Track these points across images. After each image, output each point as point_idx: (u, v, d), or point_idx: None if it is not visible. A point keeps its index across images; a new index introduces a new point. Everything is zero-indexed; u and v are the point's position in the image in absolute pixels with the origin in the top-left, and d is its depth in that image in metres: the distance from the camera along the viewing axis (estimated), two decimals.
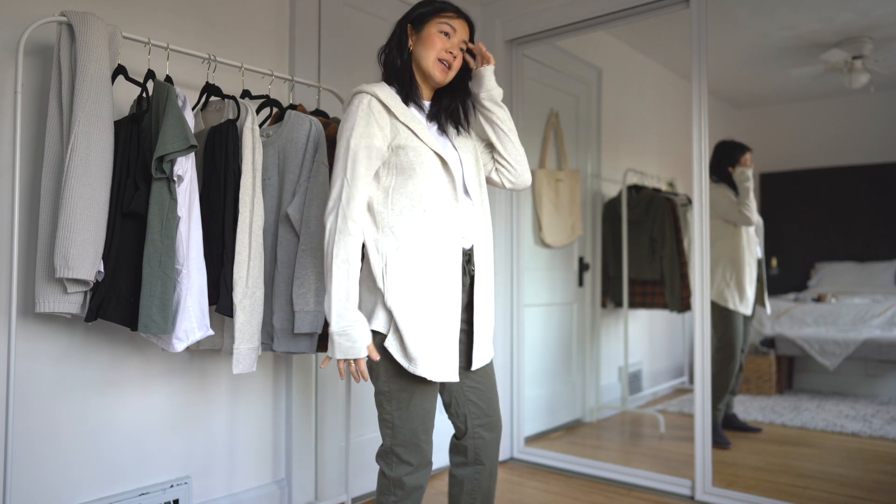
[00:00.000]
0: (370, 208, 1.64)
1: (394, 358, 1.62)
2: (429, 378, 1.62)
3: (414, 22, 1.73)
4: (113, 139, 1.74)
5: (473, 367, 1.74)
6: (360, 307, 1.63)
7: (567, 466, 3.12)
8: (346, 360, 1.58)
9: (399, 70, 1.71)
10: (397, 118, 1.64)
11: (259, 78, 2.29)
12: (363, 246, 1.63)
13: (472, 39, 1.77)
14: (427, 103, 1.76)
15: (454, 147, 1.75)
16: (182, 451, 2.22)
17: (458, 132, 1.79)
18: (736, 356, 3.44)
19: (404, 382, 1.64)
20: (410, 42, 1.72)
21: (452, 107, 1.76)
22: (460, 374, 1.74)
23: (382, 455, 1.71)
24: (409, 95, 1.70)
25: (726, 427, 3.63)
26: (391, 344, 1.62)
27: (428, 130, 1.68)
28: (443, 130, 1.76)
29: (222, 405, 2.34)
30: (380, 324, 1.63)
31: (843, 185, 5.52)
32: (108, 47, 1.75)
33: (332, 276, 1.56)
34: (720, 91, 5.36)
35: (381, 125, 1.62)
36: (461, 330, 1.75)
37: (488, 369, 1.81)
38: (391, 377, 1.64)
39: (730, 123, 5.52)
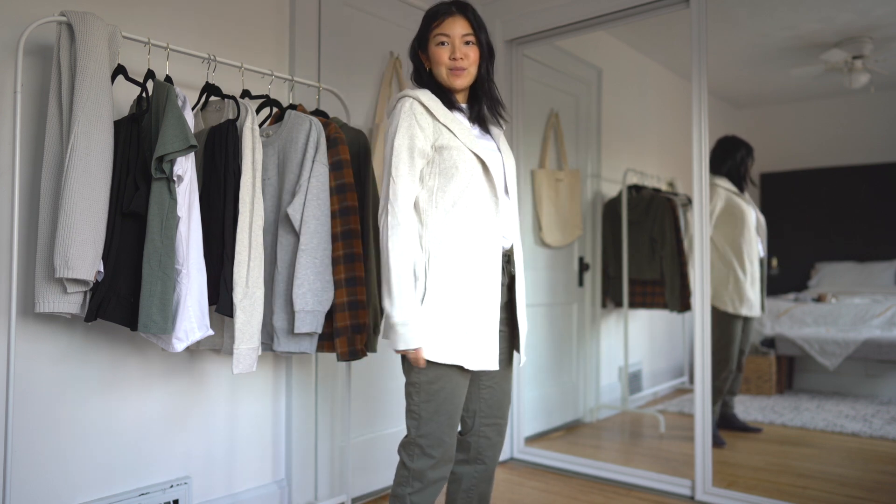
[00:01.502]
0: (416, 207, 1.69)
1: (428, 350, 1.65)
2: (468, 367, 1.66)
3: (420, 45, 1.79)
4: (113, 139, 1.74)
5: (521, 364, 1.84)
6: None
7: (567, 466, 3.12)
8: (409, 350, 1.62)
9: (430, 88, 1.77)
10: (438, 120, 1.69)
11: (259, 78, 2.29)
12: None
13: (475, 20, 1.76)
14: (465, 106, 1.80)
15: (498, 149, 1.80)
16: (182, 451, 2.22)
17: (501, 128, 1.86)
18: (731, 361, 3.42)
19: (434, 375, 1.68)
20: (426, 64, 1.79)
21: (488, 105, 1.81)
22: (479, 371, 1.78)
23: (405, 446, 1.74)
24: (448, 103, 1.75)
25: (726, 427, 3.63)
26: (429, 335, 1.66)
27: (470, 132, 1.73)
28: (486, 131, 1.81)
29: (222, 405, 2.34)
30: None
31: (843, 185, 5.52)
32: (108, 47, 1.75)
33: (390, 269, 1.61)
34: (720, 91, 5.36)
35: (422, 126, 1.67)
36: (499, 329, 1.79)
37: (507, 374, 1.86)
38: (423, 369, 1.68)
39: (730, 123, 5.51)
